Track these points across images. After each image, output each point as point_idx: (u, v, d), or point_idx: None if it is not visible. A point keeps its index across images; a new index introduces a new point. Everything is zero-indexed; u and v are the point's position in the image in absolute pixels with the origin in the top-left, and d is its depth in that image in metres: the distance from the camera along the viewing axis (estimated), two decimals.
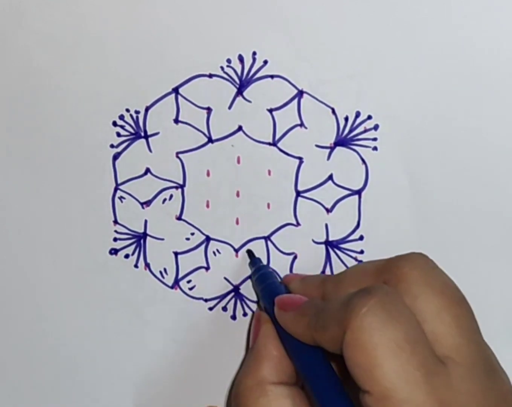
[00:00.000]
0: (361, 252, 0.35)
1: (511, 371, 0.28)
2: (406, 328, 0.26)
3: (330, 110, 0.34)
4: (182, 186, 0.35)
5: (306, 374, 0.29)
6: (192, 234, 0.35)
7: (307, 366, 0.29)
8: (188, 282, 0.36)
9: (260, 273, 0.34)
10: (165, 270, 0.35)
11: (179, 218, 0.35)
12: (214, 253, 0.35)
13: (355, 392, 0.27)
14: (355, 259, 0.35)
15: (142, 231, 0.35)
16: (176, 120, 0.35)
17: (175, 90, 0.35)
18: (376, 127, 0.34)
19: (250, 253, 0.35)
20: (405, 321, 0.26)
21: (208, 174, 0.35)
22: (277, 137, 0.35)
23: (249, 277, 0.35)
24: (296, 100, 0.34)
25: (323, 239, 0.35)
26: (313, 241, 0.35)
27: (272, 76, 0.34)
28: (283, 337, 0.30)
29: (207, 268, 0.35)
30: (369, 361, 0.25)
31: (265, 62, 0.34)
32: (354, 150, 0.34)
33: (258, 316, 0.33)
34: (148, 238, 0.35)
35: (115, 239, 0.35)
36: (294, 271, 0.35)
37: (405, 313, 0.26)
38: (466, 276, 0.32)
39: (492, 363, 0.28)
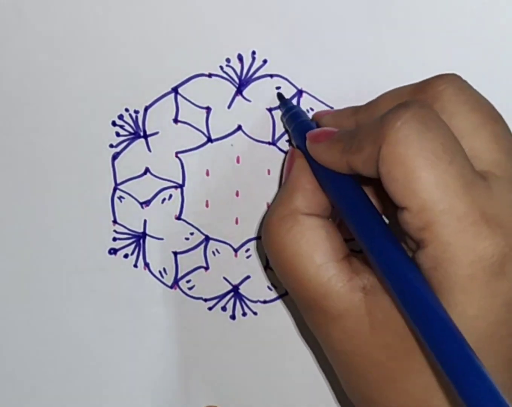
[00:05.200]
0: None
1: None
2: (444, 139, 0.25)
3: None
4: (181, 186, 0.35)
5: (341, 203, 0.28)
6: (192, 233, 0.35)
7: (342, 195, 0.28)
8: (188, 281, 0.35)
9: (292, 113, 0.33)
10: (164, 269, 0.35)
11: (178, 218, 0.35)
12: (213, 252, 0.35)
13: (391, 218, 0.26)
14: None
15: (141, 230, 0.35)
16: (176, 120, 0.35)
17: (175, 90, 0.35)
18: None
19: (279, 95, 0.34)
20: (442, 132, 0.25)
21: (207, 174, 0.35)
22: (276, 136, 0.35)
23: (248, 277, 0.35)
24: (295, 100, 0.34)
25: None
26: None
27: (271, 76, 0.34)
28: (317, 170, 0.29)
29: (207, 268, 0.35)
30: (406, 174, 0.24)
31: (265, 61, 0.34)
32: None
33: (291, 152, 0.31)
34: (147, 237, 0.35)
35: (114, 239, 0.35)
36: None
37: (442, 125, 0.25)
38: None
39: None
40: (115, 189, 0.35)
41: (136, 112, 0.35)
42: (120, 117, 0.35)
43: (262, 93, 0.34)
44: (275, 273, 0.30)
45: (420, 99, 0.28)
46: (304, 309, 0.29)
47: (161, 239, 0.35)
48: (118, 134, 0.35)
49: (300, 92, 0.34)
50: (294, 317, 0.35)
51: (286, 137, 0.35)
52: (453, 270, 0.24)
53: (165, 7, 0.34)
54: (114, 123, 0.35)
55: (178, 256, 0.35)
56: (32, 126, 0.35)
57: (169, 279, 0.35)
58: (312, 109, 0.34)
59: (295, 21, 0.34)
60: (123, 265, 0.35)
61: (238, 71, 0.34)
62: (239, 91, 0.35)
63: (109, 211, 0.35)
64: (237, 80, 0.34)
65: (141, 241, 0.35)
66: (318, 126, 0.32)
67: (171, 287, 0.35)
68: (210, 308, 0.36)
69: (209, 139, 0.35)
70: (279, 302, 0.35)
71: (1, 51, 0.35)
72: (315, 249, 0.28)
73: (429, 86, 0.28)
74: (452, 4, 0.34)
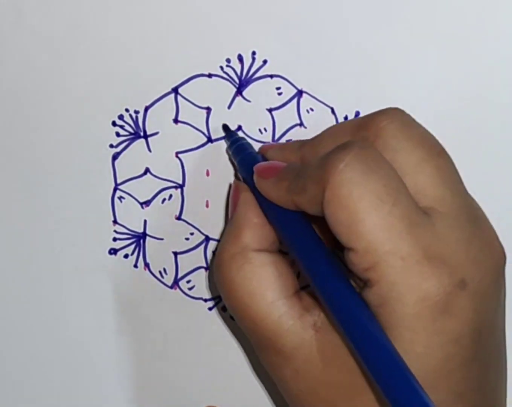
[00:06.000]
0: None
1: None
2: (387, 180, 0.25)
3: (329, 110, 0.34)
4: (181, 186, 0.35)
5: (289, 239, 0.28)
6: (192, 233, 0.35)
7: (290, 231, 0.28)
8: (188, 282, 0.35)
9: (237, 145, 0.33)
10: (164, 270, 0.35)
11: (178, 218, 0.35)
12: (213, 252, 0.35)
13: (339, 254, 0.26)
14: None
15: (141, 230, 0.35)
16: (176, 120, 0.35)
17: (175, 90, 0.35)
18: None
19: (225, 127, 0.34)
20: (385, 173, 0.25)
21: (207, 174, 0.35)
22: (276, 136, 0.35)
23: None
24: (295, 100, 0.34)
25: None
26: None
27: (271, 76, 0.34)
28: (264, 204, 0.29)
29: (207, 268, 0.35)
30: (350, 217, 0.24)
31: (265, 61, 0.34)
32: None
33: (236, 185, 0.31)
34: (147, 237, 0.35)
35: (114, 239, 0.35)
36: None
37: (384, 165, 0.25)
38: None
39: (475, 211, 0.27)
40: (115, 189, 0.35)
41: (136, 112, 0.35)
42: (120, 117, 0.35)
43: (262, 94, 0.34)
44: (229, 311, 0.30)
45: (363, 135, 0.28)
46: (258, 349, 0.29)
47: (161, 239, 0.35)
48: (118, 134, 0.35)
49: (300, 92, 0.34)
50: None
51: (286, 137, 0.35)
52: (400, 308, 0.24)
53: (165, 7, 0.34)
54: (114, 124, 0.35)
55: (178, 256, 0.35)
56: (32, 126, 0.35)
57: (169, 279, 0.36)
58: (312, 110, 0.34)
59: (295, 21, 0.34)
60: (123, 265, 0.35)
61: (238, 72, 0.34)
62: (239, 92, 0.35)
63: (109, 211, 0.35)
64: (237, 81, 0.34)
65: (141, 241, 0.35)
66: (264, 159, 0.32)
67: (171, 287, 0.35)
68: (210, 308, 0.36)
69: (209, 139, 0.35)
70: None
71: (1, 51, 0.35)
72: (267, 286, 0.28)
73: (372, 122, 0.28)
74: (452, 4, 0.34)
